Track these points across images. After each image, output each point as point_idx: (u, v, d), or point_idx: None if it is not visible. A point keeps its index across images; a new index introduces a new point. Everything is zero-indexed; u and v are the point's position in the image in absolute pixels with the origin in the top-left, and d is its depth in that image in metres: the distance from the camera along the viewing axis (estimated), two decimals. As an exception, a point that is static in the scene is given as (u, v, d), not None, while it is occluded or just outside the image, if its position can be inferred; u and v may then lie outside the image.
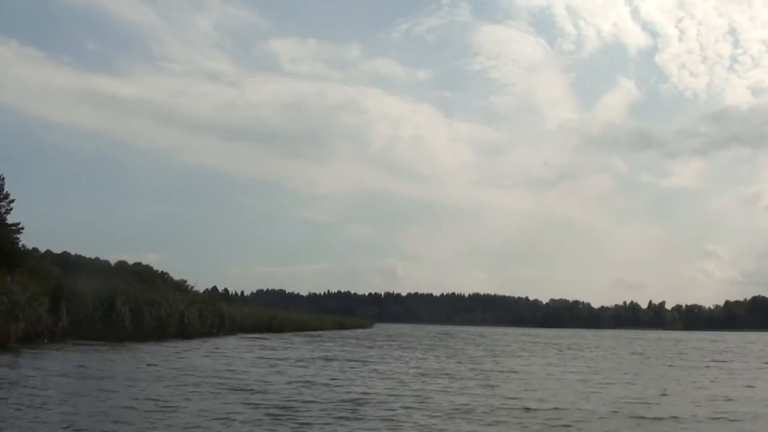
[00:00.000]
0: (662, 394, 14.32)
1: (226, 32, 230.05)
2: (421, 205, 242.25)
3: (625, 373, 20.13)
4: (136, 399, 10.80)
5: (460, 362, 23.09)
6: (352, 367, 18.90)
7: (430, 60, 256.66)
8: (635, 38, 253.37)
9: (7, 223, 52.03)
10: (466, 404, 11.66)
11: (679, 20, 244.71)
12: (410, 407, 11.09)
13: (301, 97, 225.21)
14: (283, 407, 10.52)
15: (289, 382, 14.11)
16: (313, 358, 22.59)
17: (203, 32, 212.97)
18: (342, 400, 11.50)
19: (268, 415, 9.83)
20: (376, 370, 18.35)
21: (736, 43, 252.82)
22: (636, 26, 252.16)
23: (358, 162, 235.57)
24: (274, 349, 26.94)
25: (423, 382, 15.28)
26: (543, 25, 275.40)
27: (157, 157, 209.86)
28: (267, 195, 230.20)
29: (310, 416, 9.85)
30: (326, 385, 13.97)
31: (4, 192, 54.13)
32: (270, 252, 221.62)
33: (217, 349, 25.57)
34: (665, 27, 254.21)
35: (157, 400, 10.88)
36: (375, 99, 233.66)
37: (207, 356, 21.03)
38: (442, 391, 13.62)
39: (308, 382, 14.31)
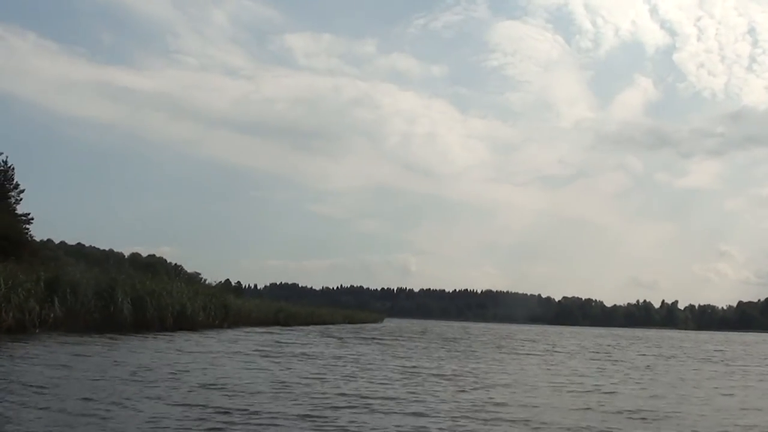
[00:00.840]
0: (680, 402, 13.20)
1: (241, 26, 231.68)
2: (435, 201, 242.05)
3: (643, 375, 19.03)
4: (69, 399, 9.62)
5: (457, 359, 21.97)
6: (336, 365, 17.49)
7: (446, 56, 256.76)
8: (653, 37, 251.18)
9: (16, 213, 51.91)
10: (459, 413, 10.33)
11: (698, 19, 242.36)
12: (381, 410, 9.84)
13: (316, 92, 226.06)
14: (237, 410, 9.28)
15: (259, 382, 12.83)
16: (298, 353, 21.16)
17: (219, 26, 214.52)
18: (308, 406, 10.18)
19: (220, 422, 8.64)
20: (363, 368, 17.02)
21: (755, 43, 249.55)
22: (654, 24, 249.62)
23: (372, 157, 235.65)
24: (267, 344, 25.71)
25: (414, 383, 14.04)
26: (560, 22, 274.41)
27: (172, 150, 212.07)
28: (281, 189, 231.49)
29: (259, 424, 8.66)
30: (297, 384, 12.65)
31: (14, 182, 54.03)
32: (283, 246, 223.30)
33: (206, 342, 24.52)
34: (684, 26, 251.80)
35: (92, 396, 9.88)
36: (390, 94, 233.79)
37: (182, 351, 19.62)
38: (431, 393, 12.36)
39: (280, 382, 12.98)
